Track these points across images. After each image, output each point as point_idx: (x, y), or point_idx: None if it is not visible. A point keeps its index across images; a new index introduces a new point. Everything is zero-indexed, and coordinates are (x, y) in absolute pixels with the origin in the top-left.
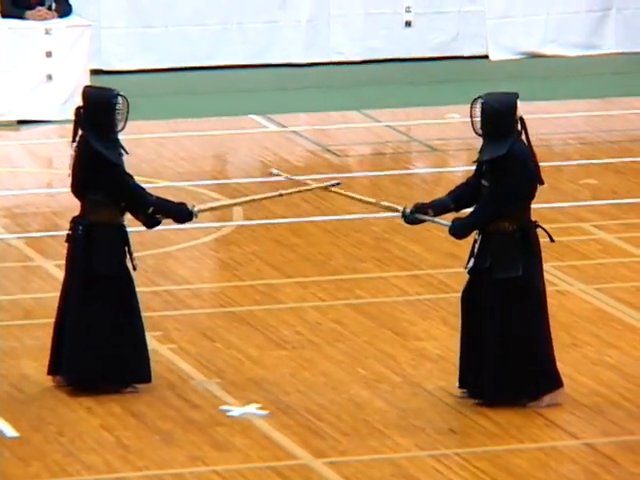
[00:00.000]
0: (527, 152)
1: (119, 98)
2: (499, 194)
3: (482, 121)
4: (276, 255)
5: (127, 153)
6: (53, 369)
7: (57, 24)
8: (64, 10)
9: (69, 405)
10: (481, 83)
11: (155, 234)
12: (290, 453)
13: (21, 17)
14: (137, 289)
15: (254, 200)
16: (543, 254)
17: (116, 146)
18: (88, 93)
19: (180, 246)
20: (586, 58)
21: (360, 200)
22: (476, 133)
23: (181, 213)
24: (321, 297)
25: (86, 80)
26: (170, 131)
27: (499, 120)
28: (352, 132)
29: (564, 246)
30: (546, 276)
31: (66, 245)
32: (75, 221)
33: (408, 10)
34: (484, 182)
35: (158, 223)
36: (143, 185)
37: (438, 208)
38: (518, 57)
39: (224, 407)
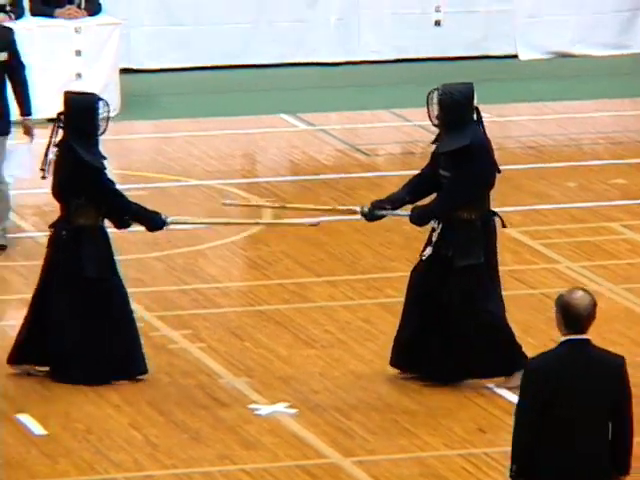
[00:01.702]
0: (485, 141)
1: (100, 103)
2: (462, 183)
3: (441, 111)
4: (306, 254)
5: (105, 158)
6: (18, 359)
7: (87, 22)
8: (94, 8)
9: (97, 403)
10: (510, 82)
11: (185, 233)
12: (319, 452)
13: (51, 15)
14: (166, 287)
15: (229, 223)
16: (573, 255)
17: (98, 150)
18: (70, 98)
19: (209, 245)
20: (615, 58)
21: (316, 209)
22: (433, 124)
23: (154, 222)
24: (350, 296)
25: (115, 79)
26: (199, 130)
27: (459, 110)
28: (382, 131)
29: (593, 246)
30: (574, 276)
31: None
32: (57, 225)
33: (437, 9)
34: (443, 172)
35: (128, 226)
36: (172, 183)
37: (395, 202)
38: (547, 57)
39: (253, 406)
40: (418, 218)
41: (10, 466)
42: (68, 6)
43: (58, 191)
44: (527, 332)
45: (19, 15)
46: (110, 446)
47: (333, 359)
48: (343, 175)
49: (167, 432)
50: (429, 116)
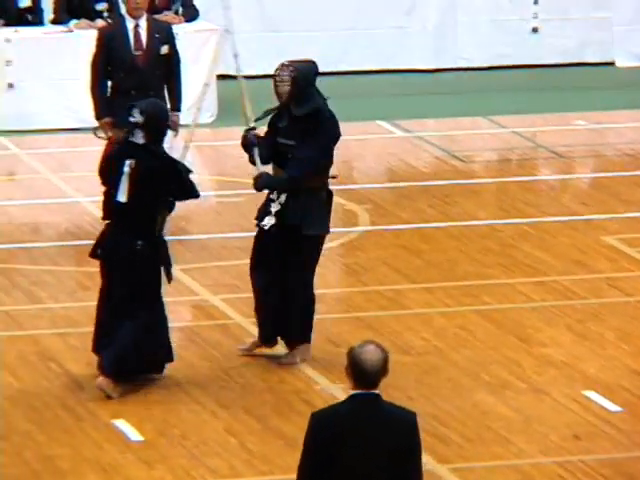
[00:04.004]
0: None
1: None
2: (315, 151)
3: (294, 86)
4: (402, 261)
5: None
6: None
7: (184, 29)
8: (191, 15)
9: (193, 409)
10: (607, 90)
11: None
12: None
13: None
14: None
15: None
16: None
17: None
18: (149, 104)
19: None
20: None
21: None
22: (279, 97)
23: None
24: (447, 303)
25: (213, 85)
26: None
27: (308, 84)
28: (478, 138)
29: None
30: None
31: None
32: (132, 237)
33: (535, 16)
34: (284, 140)
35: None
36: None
37: (263, 151)
38: None
39: None
40: (266, 183)
41: (105, 472)
42: (165, 12)
43: (148, 199)
44: (623, 339)
45: None
46: (206, 452)
47: (429, 366)
48: (440, 182)
49: (263, 438)
50: (277, 90)
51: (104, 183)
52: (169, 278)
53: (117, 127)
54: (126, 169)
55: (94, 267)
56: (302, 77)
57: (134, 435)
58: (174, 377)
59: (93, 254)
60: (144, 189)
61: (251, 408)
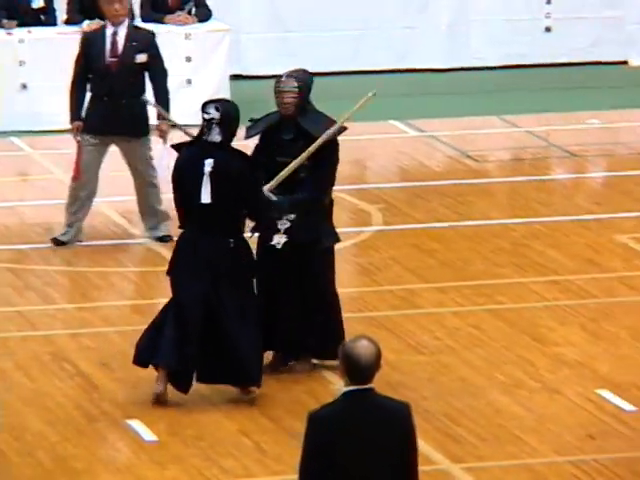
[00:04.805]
0: None
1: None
2: (330, 167)
3: (300, 97)
4: (415, 260)
5: None
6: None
7: (197, 29)
8: (204, 15)
9: (207, 409)
10: (620, 89)
11: None
12: (428, 458)
13: (161, 22)
14: None
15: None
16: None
17: None
18: (224, 101)
19: None
20: None
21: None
22: (283, 108)
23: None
24: (460, 302)
25: (226, 85)
26: None
27: (308, 95)
28: (491, 137)
29: None
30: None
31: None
32: (222, 237)
33: (548, 16)
34: (281, 159)
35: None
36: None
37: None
38: None
39: None
40: (290, 208)
41: (119, 472)
42: (178, 12)
43: (236, 200)
44: (636, 338)
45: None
46: (220, 452)
47: (442, 365)
48: (453, 181)
49: (277, 438)
50: (283, 101)
51: (178, 189)
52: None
53: (85, 132)
54: (207, 169)
55: (107, 267)
56: (306, 87)
57: (148, 435)
58: None
59: (170, 271)
60: (227, 188)
61: (265, 408)
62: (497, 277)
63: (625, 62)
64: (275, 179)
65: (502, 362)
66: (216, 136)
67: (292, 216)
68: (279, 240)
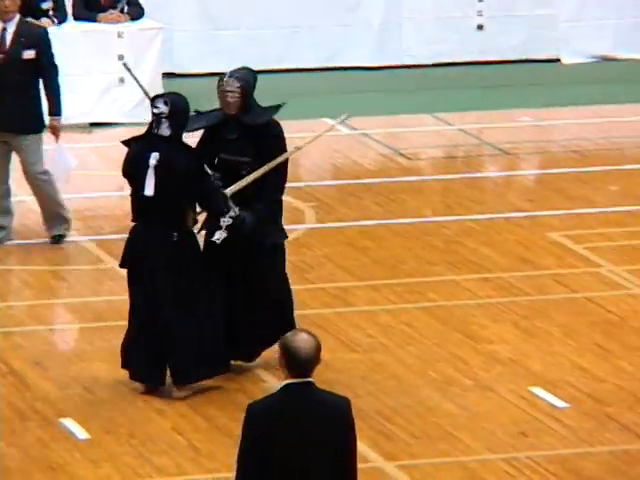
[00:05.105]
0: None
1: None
2: (283, 166)
3: (243, 96)
4: (348, 258)
5: None
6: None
7: (129, 27)
8: (136, 13)
9: (140, 407)
10: (552, 87)
11: None
12: (361, 456)
13: (93, 20)
14: None
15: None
16: (615, 258)
17: None
18: (173, 95)
19: None
20: None
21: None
22: (227, 108)
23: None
24: (392, 300)
25: (158, 83)
26: None
27: (252, 93)
28: (424, 135)
29: (635, 250)
30: (617, 279)
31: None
32: (165, 230)
33: (480, 13)
34: (233, 157)
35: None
36: None
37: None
38: (590, 61)
39: None
40: (255, 221)
41: (53, 470)
42: (111, 11)
43: (178, 193)
44: (568, 336)
45: (62, 20)
46: (153, 450)
47: (375, 363)
48: (385, 179)
49: (210, 436)
50: (224, 100)
51: (130, 182)
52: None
53: None
54: (152, 162)
55: (39, 266)
56: (249, 86)
57: (81, 433)
58: (119, 375)
59: (123, 264)
60: (171, 181)
61: (198, 406)
62: (430, 275)
63: (557, 60)
64: (230, 189)
65: (435, 360)
66: (165, 130)
67: (234, 211)
68: (219, 236)
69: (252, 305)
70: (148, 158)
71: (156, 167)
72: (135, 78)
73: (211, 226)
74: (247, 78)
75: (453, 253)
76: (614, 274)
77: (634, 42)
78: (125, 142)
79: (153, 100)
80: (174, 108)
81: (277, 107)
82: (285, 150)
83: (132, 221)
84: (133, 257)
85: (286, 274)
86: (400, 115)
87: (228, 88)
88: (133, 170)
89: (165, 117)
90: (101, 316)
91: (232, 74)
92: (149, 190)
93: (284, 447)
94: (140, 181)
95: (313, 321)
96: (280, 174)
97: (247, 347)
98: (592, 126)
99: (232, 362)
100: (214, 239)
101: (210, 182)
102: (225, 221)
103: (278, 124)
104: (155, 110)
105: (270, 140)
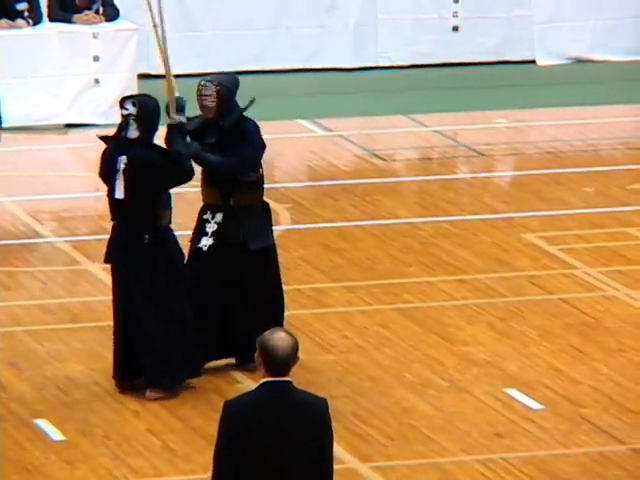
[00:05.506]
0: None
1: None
2: (246, 156)
3: (220, 100)
4: (323, 259)
5: None
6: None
7: (104, 28)
8: (111, 14)
9: (115, 409)
10: (528, 88)
11: None
12: (336, 457)
13: (68, 21)
14: None
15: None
16: (591, 260)
17: None
18: (142, 97)
19: None
20: (634, 63)
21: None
22: (204, 111)
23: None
24: (368, 301)
25: (134, 84)
26: None
27: (232, 98)
28: (399, 137)
29: (611, 251)
30: (592, 281)
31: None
32: (138, 232)
33: (455, 15)
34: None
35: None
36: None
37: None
38: (566, 62)
39: None
40: (196, 156)
41: (28, 472)
42: (86, 12)
43: (151, 191)
44: (544, 337)
45: (37, 21)
46: (128, 452)
47: (351, 364)
48: (361, 180)
49: (185, 438)
50: (203, 104)
51: (105, 183)
52: (181, 271)
53: None
54: (121, 165)
55: (15, 267)
56: (227, 90)
57: (56, 435)
58: (94, 376)
59: (107, 259)
60: (140, 184)
61: (173, 407)
62: (405, 276)
63: (533, 61)
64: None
65: (410, 361)
66: (133, 132)
67: (219, 218)
68: (205, 242)
69: (248, 306)
70: (117, 161)
71: (124, 171)
72: (164, 48)
73: (198, 234)
74: (224, 82)
75: (429, 254)
76: (589, 276)
77: (610, 44)
78: (102, 138)
79: (122, 102)
80: (142, 110)
81: (248, 104)
82: (261, 144)
83: (111, 220)
84: (113, 254)
85: (276, 277)
86: (376, 116)
87: (205, 92)
88: (106, 172)
89: (133, 119)
90: (77, 317)
91: (210, 79)
92: (119, 193)
93: (261, 446)
94: (112, 184)
95: (289, 322)
96: (248, 149)
97: (244, 348)
98: (568, 127)
99: (207, 363)
100: (200, 246)
101: (175, 163)
102: (210, 227)
103: (253, 122)
104: (123, 112)
105: (246, 138)
